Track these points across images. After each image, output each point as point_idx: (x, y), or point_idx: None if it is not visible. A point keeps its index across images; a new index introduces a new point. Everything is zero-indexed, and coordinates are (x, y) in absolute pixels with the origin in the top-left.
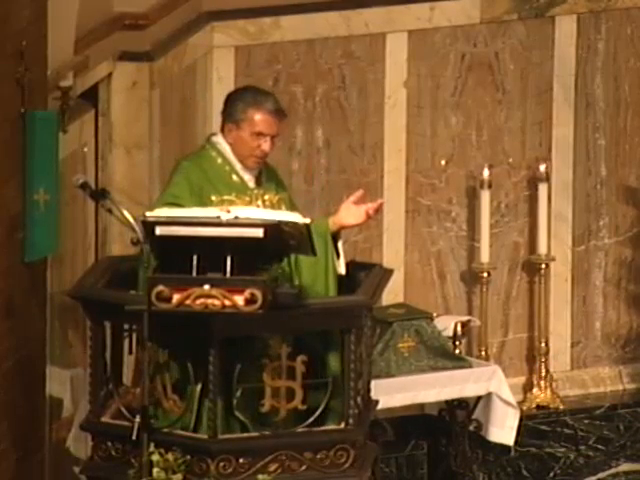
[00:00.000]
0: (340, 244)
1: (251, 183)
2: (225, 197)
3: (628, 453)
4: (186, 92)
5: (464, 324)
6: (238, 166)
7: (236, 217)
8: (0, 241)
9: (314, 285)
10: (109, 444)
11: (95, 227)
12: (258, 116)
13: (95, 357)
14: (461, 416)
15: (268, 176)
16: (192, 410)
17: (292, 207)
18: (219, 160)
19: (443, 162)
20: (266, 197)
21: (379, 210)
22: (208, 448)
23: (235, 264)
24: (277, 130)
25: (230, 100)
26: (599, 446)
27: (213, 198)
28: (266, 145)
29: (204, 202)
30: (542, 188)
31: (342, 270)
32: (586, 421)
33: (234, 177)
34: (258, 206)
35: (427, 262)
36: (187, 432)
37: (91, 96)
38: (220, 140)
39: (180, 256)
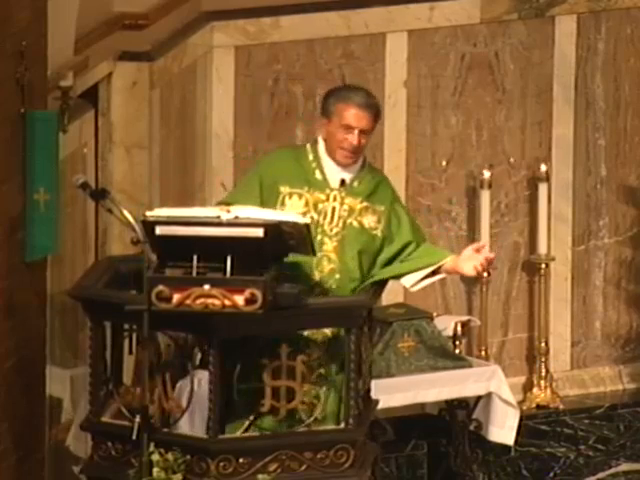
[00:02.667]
0: (433, 278)
1: (335, 183)
2: (295, 190)
3: (628, 453)
4: (186, 92)
5: (464, 324)
6: (327, 163)
7: (236, 217)
8: (0, 241)
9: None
10: (109, 444)
11: (95, 227)
12: (346, 109)
13: (95, 357)
14: (461, 416)
15: (367, 184)
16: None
17: (386, 223)
18: (310, 156)
19: (444, 163)
20: (347, 201)
21: (490, 264)
22: (208, 448)
23: (235, 264)
24: (367, 125)
25: (325, 97)
26: (599, 446)
27: (281, 189)
28: (353, 138)
29: (274, 192)
30: (542, 188)
31: (407, 283)
32: (586, 421)
33: (317, 174)
34: (334, 207)
35: None
36: (187, 432)
37: (91, 96)
38: (319, 139)
39: (180, 256)
